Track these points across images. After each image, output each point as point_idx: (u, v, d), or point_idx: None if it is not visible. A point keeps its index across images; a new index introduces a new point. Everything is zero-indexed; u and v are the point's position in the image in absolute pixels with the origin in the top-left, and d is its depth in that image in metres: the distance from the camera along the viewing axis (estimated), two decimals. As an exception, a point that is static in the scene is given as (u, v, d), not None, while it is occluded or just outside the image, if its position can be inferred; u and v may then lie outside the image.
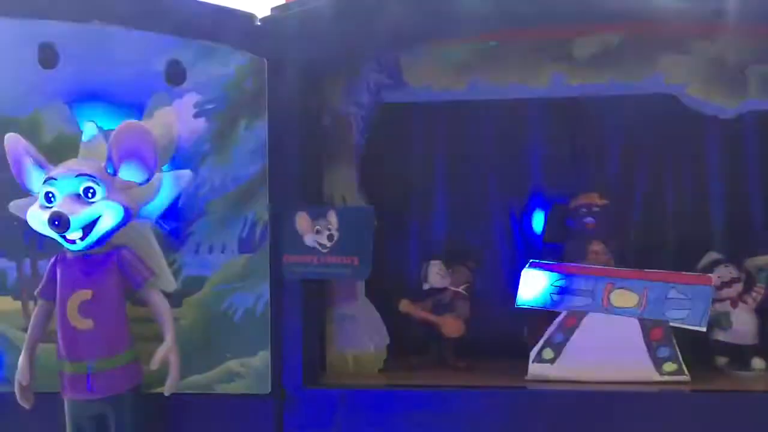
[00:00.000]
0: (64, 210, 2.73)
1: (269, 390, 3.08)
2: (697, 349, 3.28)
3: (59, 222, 2.71)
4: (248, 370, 3.08)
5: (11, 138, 2.91)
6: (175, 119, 3.10)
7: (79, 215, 2.75)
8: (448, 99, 3.36)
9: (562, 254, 3.46)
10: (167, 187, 3.03)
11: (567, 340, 3.17)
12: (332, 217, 3.11)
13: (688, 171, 3.68)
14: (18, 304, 3.17)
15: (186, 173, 3.07)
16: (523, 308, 3.25)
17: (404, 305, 3.44)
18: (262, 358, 3.08)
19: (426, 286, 3.50)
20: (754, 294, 3.34)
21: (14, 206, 3.06)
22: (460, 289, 3.50)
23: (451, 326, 3.44)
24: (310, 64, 3.10)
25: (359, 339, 3.37)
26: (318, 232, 3.10)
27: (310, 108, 3.23)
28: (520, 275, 3.23)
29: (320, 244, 3.11)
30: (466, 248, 3.73)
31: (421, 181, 3.82)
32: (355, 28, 3.02)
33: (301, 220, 3.11)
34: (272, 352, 3.08)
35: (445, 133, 3.79)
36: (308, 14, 3.07)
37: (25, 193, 2.95)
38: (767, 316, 3.35)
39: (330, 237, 3.10)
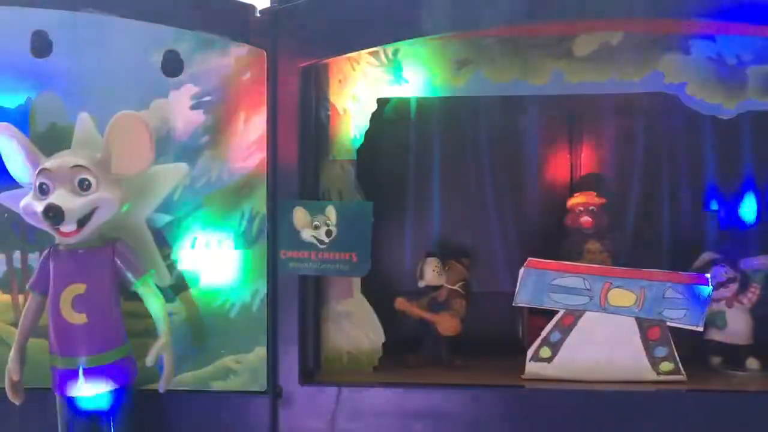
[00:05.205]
0: (59, 202, 2.68)
1: (265, 387, 3.05)
2: (691, 349, 3.28)
3: (54, 214, 2.66)
4: (244, 367, 3.05)
5: (2, 128, 2.85)
6: (171, 111, 3.05)
7: (73, 208, 2.70)
8: (447, 94, 3.33)
9: (559, 252, 3.44)
10: (163, 180, 2.98)
11: (564, 338, 3.16)
12: (331, 213, 3.07)
13: (685, 170, 3.68)
14: (8, 297, 3.11)
15: (182, 166, 3.03)
16: (520, 306, 3.23)
17: (400, 303, 3.40)
18: (257, 355, 3.05)
19: (422, 284, 3.45)
20: (749, 294, 3.34)
21: (4, 197, 3.00)
22: (456, 287, 3.47)
23: (447, 324, 3.41)
24: (308, 56, 3.05)
25: (354, 336, 3.33)
26: (316, 227, 3.07)
27: (309, 101, 3.19)
28: (517, 273, 3.21)
29: (318, 240, 3.07)
30: (463, 245, 3.71)
31: (417, 177, 3.78)
32: (355, 22, 2.98)
33: (299, 215, 3.07)
34: (268, 348, 3.04)
35: (443, 129, 3.75)
36: (308, 6, 3.03)
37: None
38: (762, 317, 3.35)
39: (328, 233, 3.06)
